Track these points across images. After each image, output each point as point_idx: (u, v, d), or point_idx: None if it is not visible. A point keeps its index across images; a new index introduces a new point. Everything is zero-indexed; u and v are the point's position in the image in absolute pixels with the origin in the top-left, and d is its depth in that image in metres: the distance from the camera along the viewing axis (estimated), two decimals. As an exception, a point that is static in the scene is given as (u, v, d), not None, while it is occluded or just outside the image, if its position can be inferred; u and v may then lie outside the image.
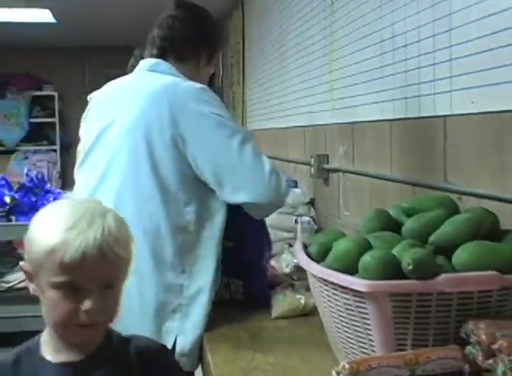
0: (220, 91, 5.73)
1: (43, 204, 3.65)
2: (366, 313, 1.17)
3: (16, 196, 3.85)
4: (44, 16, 5.76)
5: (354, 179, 2.40)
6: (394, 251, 1.21)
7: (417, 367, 1.06)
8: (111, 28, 6.64)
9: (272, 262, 2.21)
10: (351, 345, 1.24)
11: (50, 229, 1.14)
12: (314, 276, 1.30)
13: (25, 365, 1.20)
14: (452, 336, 1.16)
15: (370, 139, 2.24)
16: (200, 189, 1.77)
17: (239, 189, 1.74)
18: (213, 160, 1.74)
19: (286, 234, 2.65)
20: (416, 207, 1.38)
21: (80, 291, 1.13)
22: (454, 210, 1.35)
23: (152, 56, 1.94)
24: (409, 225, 1.31)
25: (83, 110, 2.00)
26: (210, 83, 2.08)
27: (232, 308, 1.89)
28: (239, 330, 1.74)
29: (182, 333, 1.71)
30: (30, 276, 1.18)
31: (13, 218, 3.80)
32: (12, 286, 3.99)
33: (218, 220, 1.79)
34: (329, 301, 1.26)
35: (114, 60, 6.79)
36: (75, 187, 1.93)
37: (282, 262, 2.24)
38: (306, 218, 2.76)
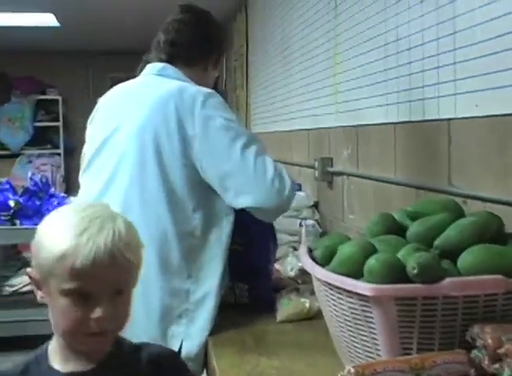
0: (224, 94, 5.73)
1: (47, 208, 3.67)
2: (371, 317, 1.17)
3: (21, 200, 3.85)
4: (48, 20, 5.79)
5: (358, 182, 2.40)
6: (399, 255, 1.21)
7: (423, 372, 1.05)
8: (115, 32, 6.64)
9: (277, 266, 2.21)
10: (356, 349, 1.24)
11: (59, 234, 1.11)
12: (319, 280, 1.30)
13: (33, 374, 1.18)
14: (458, 340, 1.15)
15: (374, 142, 2.24)
16: (207, 194, 1.76)
17: (242, 193, 1.73)
18: (216, 163, 1.74)
19: (290, 237, 2.65)
20: (420, 210, 1.37)
21: (90, 299, 1.10)
22: (459, 213, 1.35)
23: (160, 60, 1.93)
24: (413, 228, 1.31)
25: (87, 114, 2.00)
26: (214, 86, 2.09)
27: (237, 311, 1.88)
28: (244, 334, 1.73)
29: (187, 337, 1.71)
30: (37, 284, 1.15)
31: (18, 222, 3.82)
32: (16, 290, 3.99)
33: (226, 225, 1.77)
34: (334, 305, 1.26)
35: (118, 64, 6.83)
36: (80, 191, 1.92)
37: (286, 266, 2.23)
38: (310, 222, 2.76)
